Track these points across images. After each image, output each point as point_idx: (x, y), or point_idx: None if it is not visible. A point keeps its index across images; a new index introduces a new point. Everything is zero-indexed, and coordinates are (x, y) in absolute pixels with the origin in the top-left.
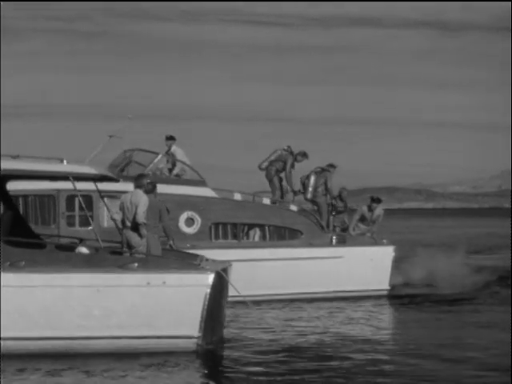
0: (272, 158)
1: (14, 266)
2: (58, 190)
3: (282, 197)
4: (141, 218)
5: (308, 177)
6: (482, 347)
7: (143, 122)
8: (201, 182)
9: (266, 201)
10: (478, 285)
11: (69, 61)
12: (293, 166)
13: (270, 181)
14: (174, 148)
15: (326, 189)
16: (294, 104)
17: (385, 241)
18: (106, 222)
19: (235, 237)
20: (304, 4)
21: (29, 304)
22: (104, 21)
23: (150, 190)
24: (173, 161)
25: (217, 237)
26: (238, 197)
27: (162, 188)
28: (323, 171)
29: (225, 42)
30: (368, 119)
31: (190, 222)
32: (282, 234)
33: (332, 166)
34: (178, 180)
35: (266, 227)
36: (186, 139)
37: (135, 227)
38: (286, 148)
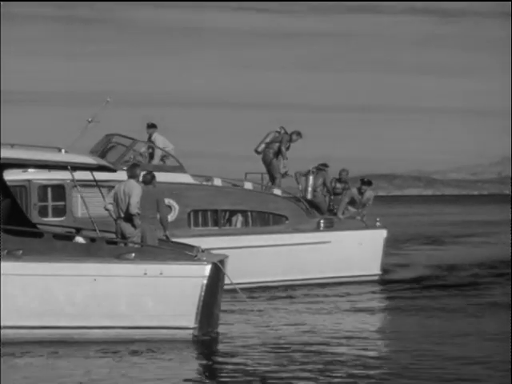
0: (267, 140)
1: (11, 255)
2: (30, 181)
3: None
4: (134, 209)
5: (306, 177)
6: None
7: (141, 109)
8: (179, 168)
9: (248, 185)
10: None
11: (66, 47)
12: (288, 147)
13: (269, 164)
14: (154, 135)
15: (327, 189)
16: (293, 90)
17: (378, 223)
18: (79, 212)
19: (216, 224)
20: None
21: (26, 293)
22: (103, 6)
23: (149, 181)
24: (153, 148)
25: (196, 224)
26: (218, 182)
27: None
28: (320, 171)
29: (224, 28)
30: (367, 106)
31: (167, 209)
32: (265, 220)
33: (325, 165)
34: (156, 166)
35: (249, 213)
36: (184, 125)
37: (129, 218)
38: (279, 129)
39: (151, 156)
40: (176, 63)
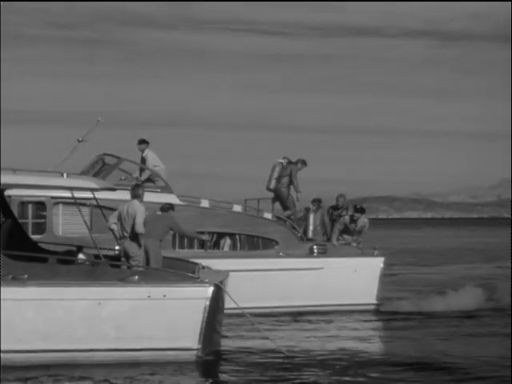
0: (275, 175)
1: (16, 280)
2: (10, 197)
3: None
4: (139, 228)
5: (306, 216)
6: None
7: (142, 129)
8: (165, 189)
9: (237, 208)
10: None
11: (68, 67)
12: (295, 175)
13: (286, 199)
14: (146, 151)
15: (325, 229)
16: (294, 112)
17: (376, 251)
18: (60, 231)
19: (202, 246)
20: (304, 12)
21: (31, 317)
22: (104, 28)
23: (166, 210)
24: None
25: (181, 246)
26: (205, 204)
27: (124, 194)
28: (318, 209)
29: (225, 50)
30: (367, 128)
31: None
32: (254, 244)
33: (320, 201)
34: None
35: (237, 236)
36: (184, 146)
37: (133, 237)
38: (282, 160)
39: (141, 171)
40: (176, 84)
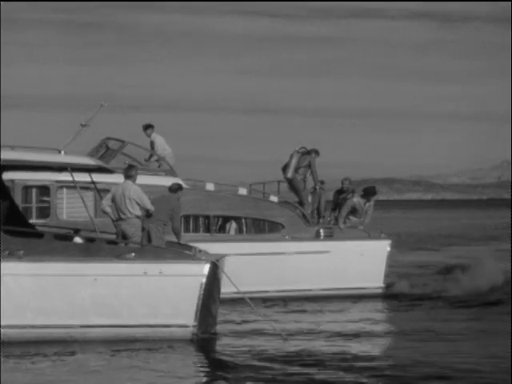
0: (293, 165)
1: (12, 255)
2: (13, 181)
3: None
4: (148, 206)
5: (291, 156)
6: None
7: (143, 113)
8: (170, 172)
9: (243, 191)
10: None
11: (66, 52)
12: (314, 166)
13: (300, 191)
14: (153, 135)
15: (312, 172)
16: (294, 96)
17: (382, 234)
18: (64, 215)
19: (208, 230)
20: None
21: (27, 293)
22: (104, 12)
23: (174, 190)
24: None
25: (187, 230)
26: (210, 187)
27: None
28: (306, 153)
29: (224, 32)
30: (367, 111)
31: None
32: (260, 227)
33: (322, 182)
34: (145, 169)
35: (243, 220)
36: (187, 131)
37: (131, 218)
38: (299, 150)
39: (150, 157)
40: (175, 68)
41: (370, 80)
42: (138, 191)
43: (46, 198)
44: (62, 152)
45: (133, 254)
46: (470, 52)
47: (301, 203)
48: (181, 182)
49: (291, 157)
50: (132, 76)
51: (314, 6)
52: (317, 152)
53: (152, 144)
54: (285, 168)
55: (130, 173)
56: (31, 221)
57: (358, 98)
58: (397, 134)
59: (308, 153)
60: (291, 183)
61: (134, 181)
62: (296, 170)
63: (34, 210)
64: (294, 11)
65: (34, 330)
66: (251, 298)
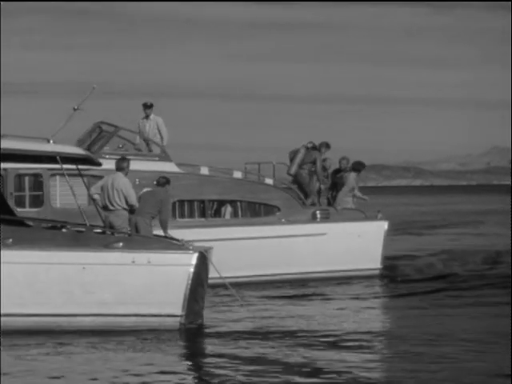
0: (298, 160)
1: (1, 244)
2: (6, 170)
3: (319, 200)
4: (133, 200)
5: (297, 151)
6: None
7: (135, 100)
8: (164, 157)
9: (238, 174)
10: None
11: (59, 38)
12: (319, 163)
13: (306, 185)
14: (152, 116)
15: (315, 170)
16: (284, 82)
17: (379, 215)
18: (58, 203)
19: (203, 215)
20: None
21: (15, 281)
22: None
23: (162, 184)
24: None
25: (182, 215)
26: (204, 171)
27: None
28: (314, 149)
29: (215, 19)
30: (357, 97)
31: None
32: (256, 211)
33: (326, 145)
34: (138, 155)
35: (238, 203)
36: (177, 117)
37: (119, 210)
38: (307, 145)
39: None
40: (165, 54)
41: (359, 66)
42: (126, 184)
43: (39, 186)
44: (51, 141)
45: (121, 244)
46: (459, 38)
47: (306, 195)
48: (175, 166)
49: (297, 152)
50: (121, 62)
51: None
52: (327, 145)
53: (144, 124)
54: (290, 161)
55: (121, 165)
56: (25, 209)
57: (347, 84)
58: (386, 120)
59: (315, 148)
60: (295, 179)
61: (125, 173)
62: (301, 165)
63: (27, 199)
64: None
65: (21, 319)
66: (249, 283)
